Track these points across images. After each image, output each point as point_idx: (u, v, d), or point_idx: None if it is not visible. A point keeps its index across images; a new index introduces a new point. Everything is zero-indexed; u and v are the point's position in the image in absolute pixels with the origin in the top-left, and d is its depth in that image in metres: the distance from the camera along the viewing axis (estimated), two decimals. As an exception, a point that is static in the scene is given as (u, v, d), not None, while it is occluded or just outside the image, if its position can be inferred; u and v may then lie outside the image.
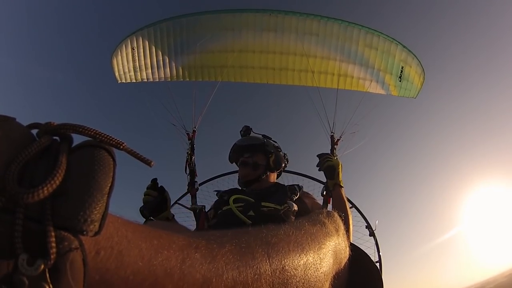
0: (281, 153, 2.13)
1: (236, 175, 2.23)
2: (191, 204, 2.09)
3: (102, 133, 0.41)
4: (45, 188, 0.34)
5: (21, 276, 0.32)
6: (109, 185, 0.38)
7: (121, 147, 0.42)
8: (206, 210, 1.91)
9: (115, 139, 0.42)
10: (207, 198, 2.27)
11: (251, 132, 2.21)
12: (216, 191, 1.99)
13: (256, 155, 2.03)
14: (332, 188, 2.04)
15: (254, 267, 0.58)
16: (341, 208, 1.86)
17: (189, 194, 2.20)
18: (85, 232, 0.35)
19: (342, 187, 2.04)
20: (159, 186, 1.88)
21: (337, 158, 2.31)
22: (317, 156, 2.22)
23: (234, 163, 2.19)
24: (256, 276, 0.57)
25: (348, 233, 1.74)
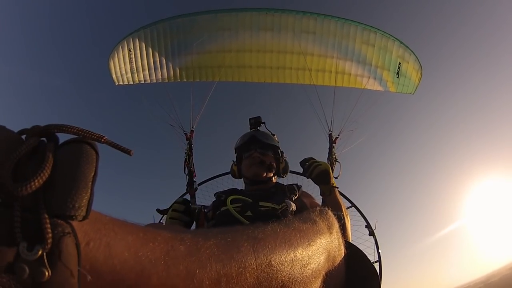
0: (286, 159, 2.13)
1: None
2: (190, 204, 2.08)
3: (84, 130, 0.45)
4: (36, 181, 0.38)
5: (22, 263, 0.36)
6: (93, 173, 0.43)
7: (102, 140, 0.47)
8: (206, 210, 1.90)
9: (96, 134, 0.46)
10: (206, 198, 2.28)
11: (262, 125, 2.18)
12: (216, 193, 1.97)
13: (268, 155, 2.02)
14: (329, 192, 1.90)
15: (239, 260, 0.59)
16: (338, 210, 1.79)
17: (188, 194, 2.20)
18: (74, 217, 0.39)
19: (337, 187, 1.95)
20: (189, 207, 1.77)
21: (335, 157, 2.30)
22: (300, 164, 1.99)
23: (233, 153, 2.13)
24: (241, 269, 0.58)
25: (346, 234, 1.73)
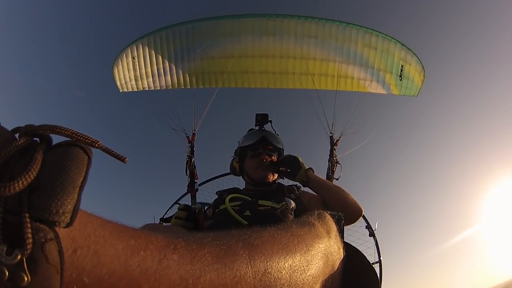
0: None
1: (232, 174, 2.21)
2: (190, 204, 2.09)
3: (78, 133, 0.44)
4: (20, 182, 0.36)
5: (2, 266, 0.35)
6: (82, 179, 0.41)
7: (96, 145, 0.45)
8: (205, 210, 1.90)
9: (90, 138, 0.45)
10: (207, 198, 2.30)
11: (268, 123, 2.17)
12: (218, 191, 1.97)
13: (274, 158, 2.02)
14: (306, 178, 1.83)
15: (234, 269, 0.57)
16: (330, 190, 1.78)
17: (189, 194, 2.21)
18: (57, 223, 0.37)
19: (311, 168, 1.89)
20: (194, 210, 1.73)
21: (336, 159, 2.29)
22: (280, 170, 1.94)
23: (237, 150, 2.13)
24: (236, 278, 0.57)
25: (348, 200, 1.71)
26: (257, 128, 2.18)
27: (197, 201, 2.18)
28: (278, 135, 2.16)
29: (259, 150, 1.98)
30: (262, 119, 2.14)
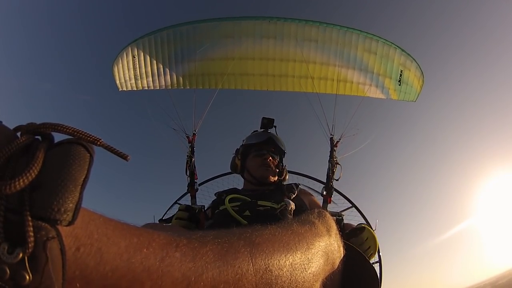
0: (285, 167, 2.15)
1: (234, 174, 2.23)
2: (190, 204, 2.10)
3: (80, 131, 0.44)
4: (21, 180, 0.36)
5: (3, 265, 0.34)
6: (83, 177, 0.41)
7: (98, 143, 0.45)
8: (205, 210, 1.90)
9: (92, 136, 0.45)
10: (206, 198, 2.30)
11: (273, 127, 2.21)
12: (216, 192, 1.98)
13: (277, 160, 2.06)
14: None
15: (236, 266, 0.58)
16: None
17: (189, 194, 2.21)
18: (59, 221, 0.37)
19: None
20: (194, 211, 1.74)
21: (336, 160, 2.30)
22: (351, 232, 1.70)
23: (240, 148, 2.15)
24: (238, 275, 0.57)
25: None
26: (261, 130, 2.22)
27: (197, 201, 2.18)
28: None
29: (263, 151, 2.00)
30: (268, 122, 2.19)
